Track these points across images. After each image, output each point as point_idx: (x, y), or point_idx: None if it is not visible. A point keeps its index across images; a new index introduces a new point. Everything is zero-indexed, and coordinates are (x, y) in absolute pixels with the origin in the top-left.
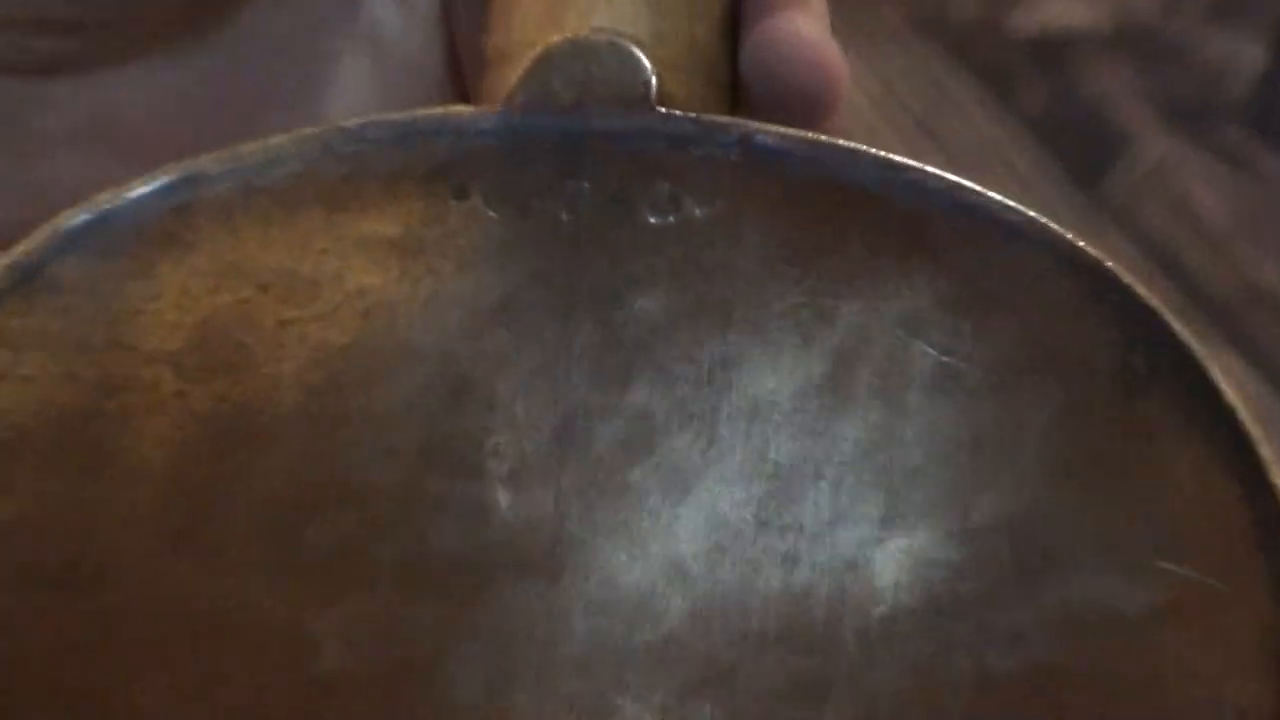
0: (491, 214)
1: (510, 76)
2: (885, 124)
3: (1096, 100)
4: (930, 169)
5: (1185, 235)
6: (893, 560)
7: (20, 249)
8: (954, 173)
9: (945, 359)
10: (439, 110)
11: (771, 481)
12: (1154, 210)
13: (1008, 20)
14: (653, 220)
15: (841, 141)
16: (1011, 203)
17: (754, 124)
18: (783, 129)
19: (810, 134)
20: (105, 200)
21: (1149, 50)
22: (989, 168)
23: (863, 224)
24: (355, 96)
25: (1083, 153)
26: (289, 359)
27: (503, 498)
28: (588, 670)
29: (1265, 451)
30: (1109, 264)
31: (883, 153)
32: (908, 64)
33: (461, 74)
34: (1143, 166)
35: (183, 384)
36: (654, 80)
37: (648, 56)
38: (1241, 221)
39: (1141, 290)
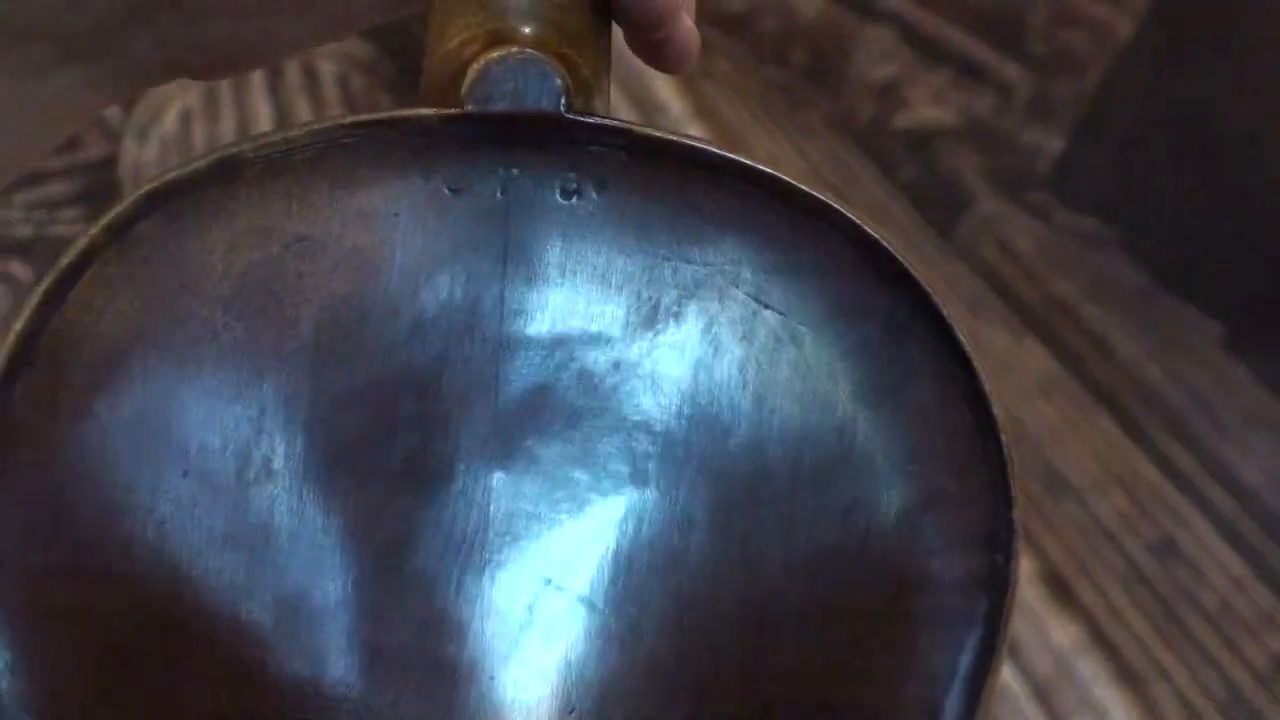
0: (447, 192)
1: (456, 83)
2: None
3: (949, 174)
4: (757, 165)
5: (1007, 265)
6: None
7: (114, 213)
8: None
9: (760, 308)
10: (412, 112)
11: (631, 367)
12: (987, 248)
13: (891, 120)
14: (561, 201)
15: (697, 141)
16: (817, 192)
17: (636, 128)
18: (658, 132)
19: (677, 135)
20: (173, 173)
21: (985, 140)
22: (880, 220)
23: (711, 205)
24: None
25: (940, 210)
26: (304, 303)
27: (450, 386)
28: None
29: (987, 386)
30: (884, 241)
31: (725, 151)
32: (824, 149)
33: None
34: (979, 219)
35: (229, 319)
36: (562, 88)
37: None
38: (1044, 254)
39: (904, 260)
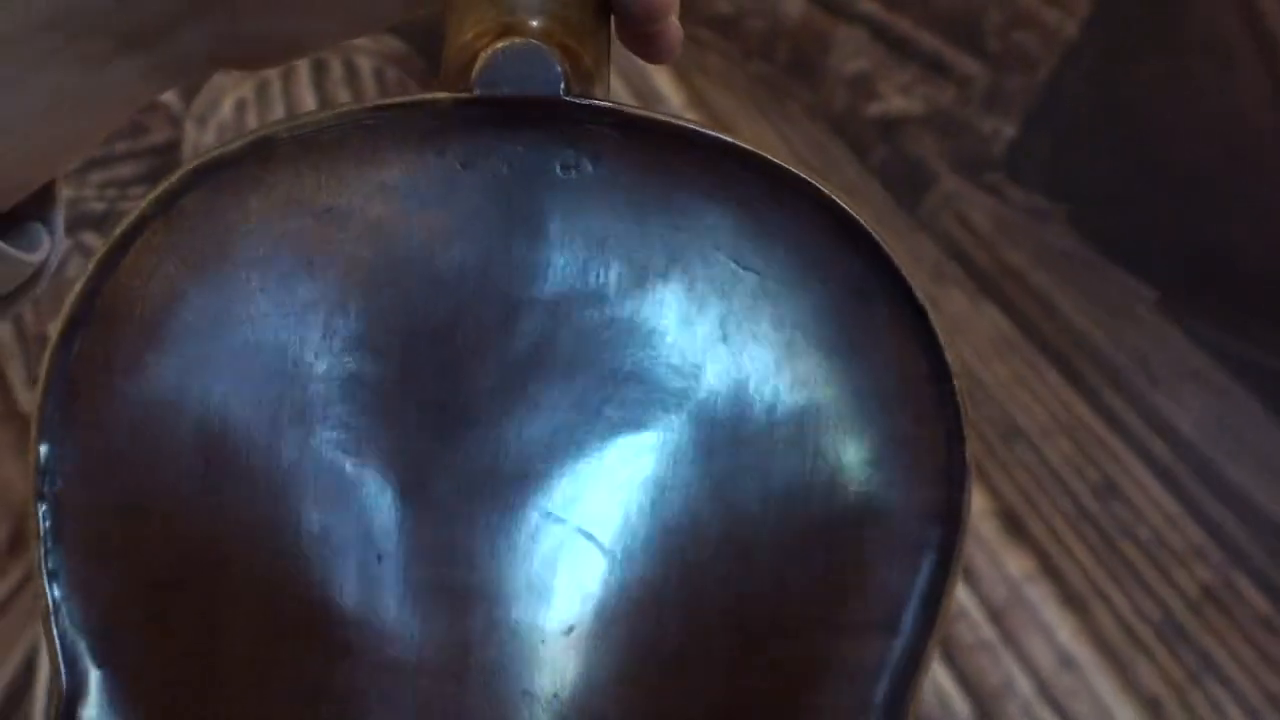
0: (459, 167)
1: (469, 70)
2: None
3: (915, 157)
4: (732, 139)
5: (965, 237)
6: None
7: (162, 188)
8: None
9: (736, 268)
10: (427, 96)
11: (623, 323)
12: (947, 222)
13: (864, 109)
14: (560, 174)
15: (682, 120)
16: (789, 165)
17: (626, 108)
18: (645, 112)
19: (663, 115)
20: (215, 152)
21: (946, 127)
22: (853, 196)
23: (695, 176)
24: None
25: (907, 188)
26: (332, 267)
27: (465, 335)
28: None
29: (942, 340)
30: (851, 210)
31: (708, 129)
32: (804, 135)
33: None
34: (941, 196)
35: (265, 282)
36: (562, 74)
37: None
38: (998, 227)
39: (870, 226)
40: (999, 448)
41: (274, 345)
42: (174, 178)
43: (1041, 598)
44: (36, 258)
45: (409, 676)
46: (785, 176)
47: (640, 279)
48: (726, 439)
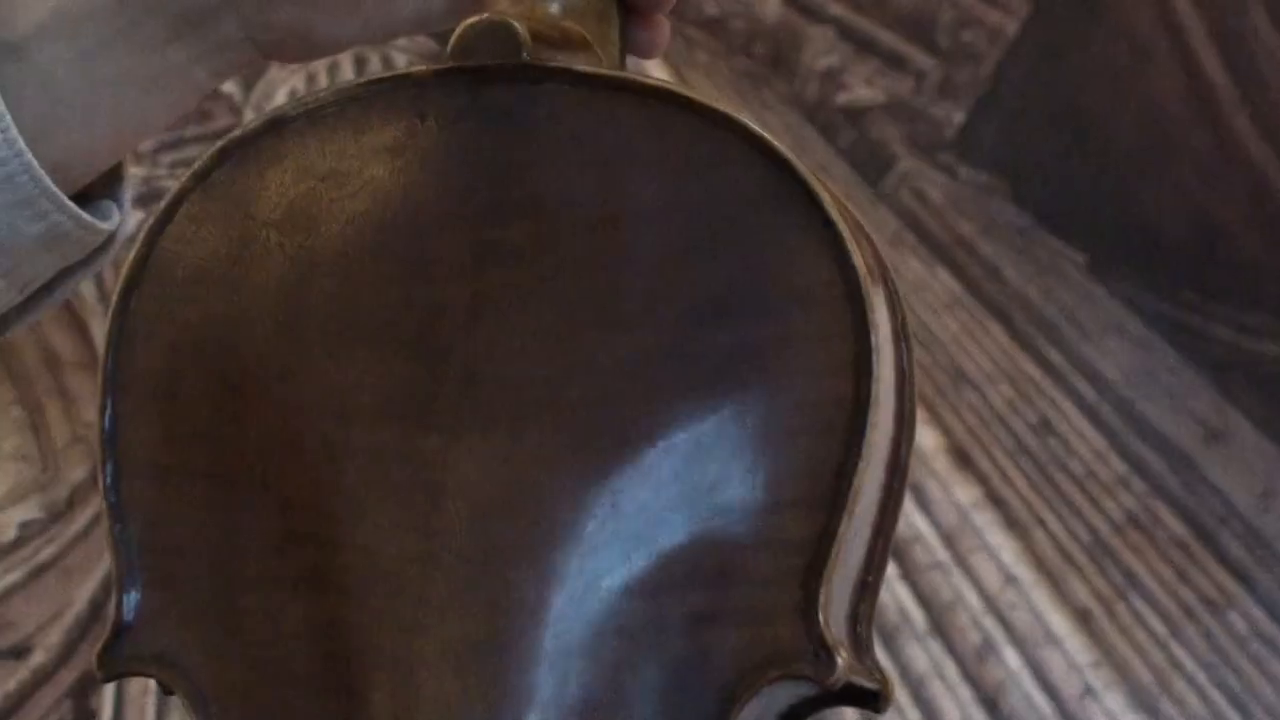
0: (438, 130)
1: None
2: None
3: (878, 139)
4: (665, 84)
5: (921, 209)
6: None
7: (198, 165)
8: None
9: (668, 180)
10: (409, 69)
11: (573, 233)
12: (906, 197)
13: (833, 99)
14: (528, 128)
15: (618, 73)
16: (714, 104)
17: (576, 68)
18: (591, 69)
19: (606, 71)
20: (238, 132)
21: (904, 113)
22: (822, 175)
23: (633, 116)
24: None
25: (870, 167)
26: (335, 220)
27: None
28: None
29: (850, 246)
30: (753, 126)
31: (640, 77)
32: (780, 121)
33: None
34: (900, 174)
35: (281, 238)
36: (525, 45)
37: (527, 29)
38: (950, 201)
39: (769, 138)
40: (949, 391)
41: (292, 287)
42: (206, 156)
43: (986, 523)
44: (109, 226)
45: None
46: (713, 114)
47: (587, 201)
48: (668, 344)
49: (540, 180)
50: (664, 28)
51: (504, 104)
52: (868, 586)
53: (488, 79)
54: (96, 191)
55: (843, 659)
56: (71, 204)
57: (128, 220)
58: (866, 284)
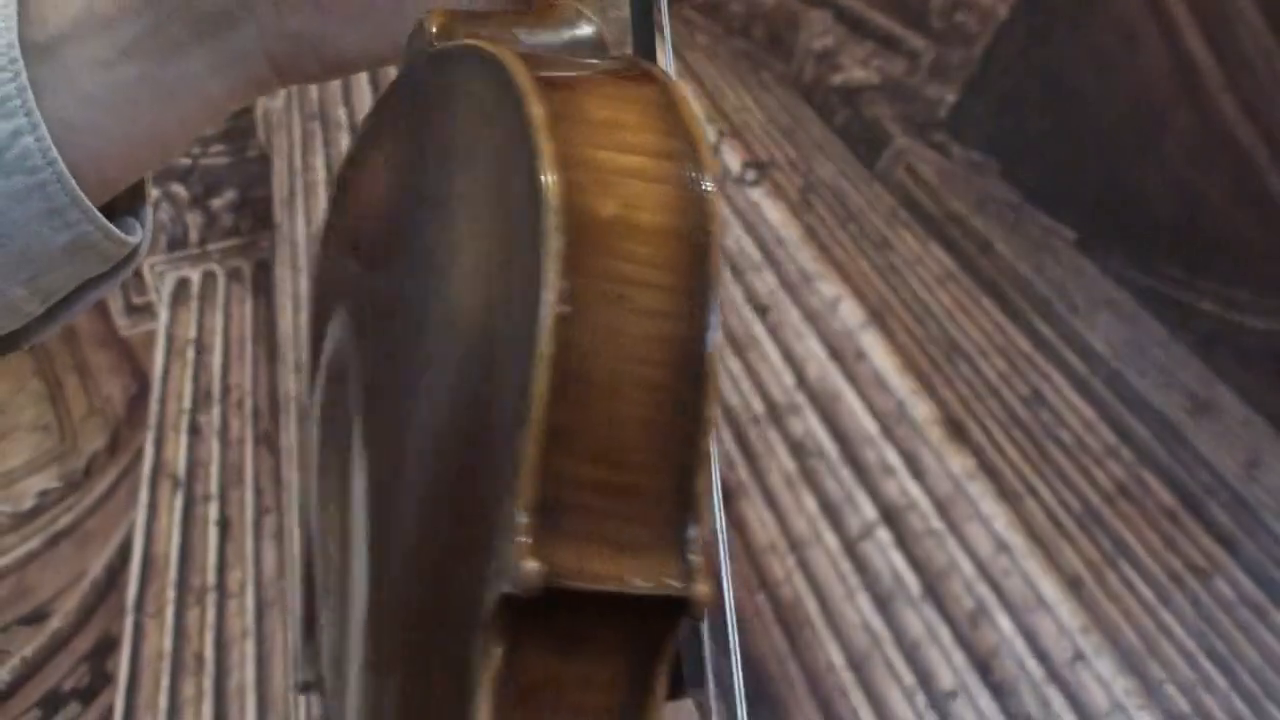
0: (400, 97)
1: None
2: (767, 135)
3: (873, 119)
4: (470, 42)
5: (915, 187)
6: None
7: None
8: (801, 162)
9: (457, 136)
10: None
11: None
12: (900, 174)
13: (829, 79)
14: (442, 87)
15: (469, 42)
16: (485, 45)
17: (443, 44)
18: (454, 42)
19: (462, 41)
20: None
21: (898, 93)
22: (818, 153)
23: (459, 74)
24: None
25: (866, 146)
26: (352, 190)
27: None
28: None
29: (544, 164)
30: (508, 67)
31: (472, 40)
32: (778, 101)
33: None
34: (895, 152)
35: (334, 219)
36: (432, 34)
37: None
38: (943, 179)
39: (510, 65)
40: (943, 364)
41: (345, 248)
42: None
43: (980, 493)
44: (134, 239)
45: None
46: (482, 51)
47: (429, 158)
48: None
49: (420, 138)
50: None
51: (425, 76)
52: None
53: (414, 66)
54: (120, 206)
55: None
56: (100, 215)
57: (148, 237)
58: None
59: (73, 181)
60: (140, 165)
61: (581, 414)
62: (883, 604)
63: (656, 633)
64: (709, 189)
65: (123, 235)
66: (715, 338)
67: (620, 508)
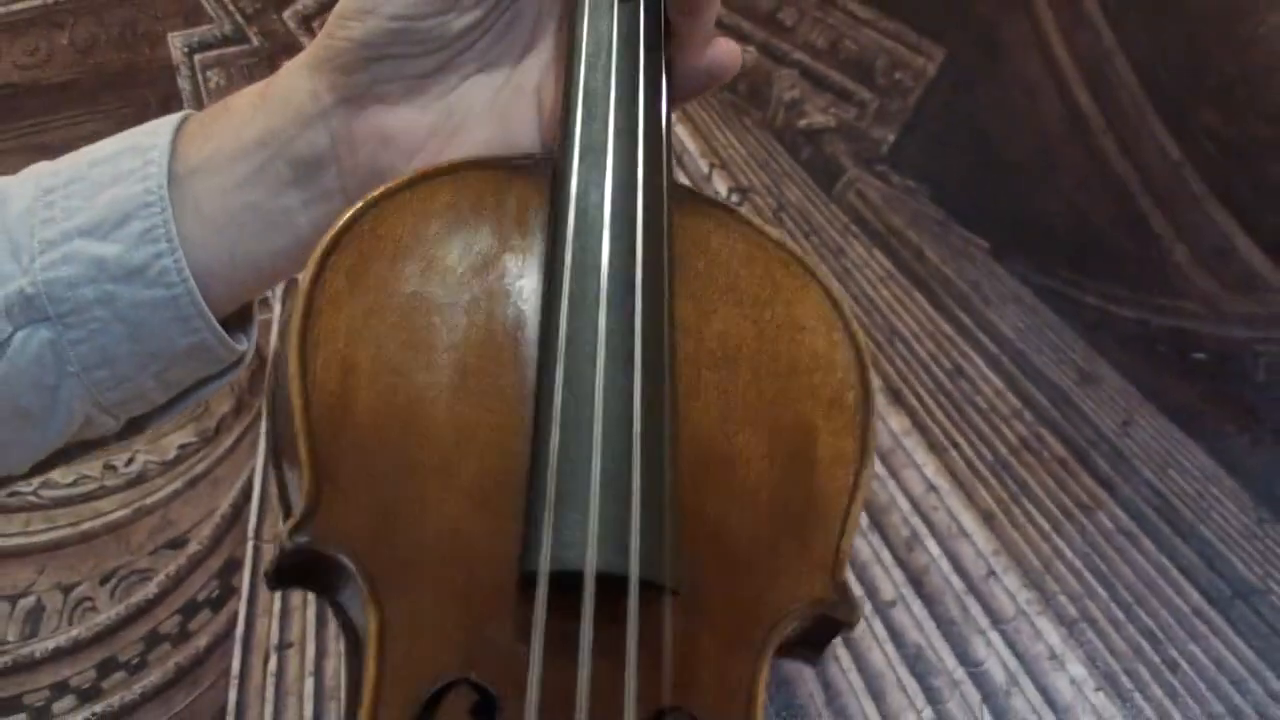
0: None
1: None
2: (748, 166)
3: (830, 154)
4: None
5: (863, 206)
6: None
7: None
8: (774, 187)
9: None
10: None
11: None
12: (851, 198)
13: (796, 123)
14: None
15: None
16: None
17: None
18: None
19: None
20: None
21: (850, 134)
22: (787, 181)
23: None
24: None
25: (824, 175)
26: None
27: None
28: None
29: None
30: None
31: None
32: (755, 141)
33: None
34: (847, 180)
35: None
36: None
37: None
38: (885, 201)
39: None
40: (885, 346)
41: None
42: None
43: (913, 445)
44: (242, 347)
45: None
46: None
47: None
48: None
49: None
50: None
51: None
52: None
53: None
54: (232, 323)
55: None
56: (215, 323)
57: (252, 348)
58: None
59: (199, 297)
60: (246, 287)
61: None
62: None
63: None
64: None
65: (231, 342)
66: None
67: None
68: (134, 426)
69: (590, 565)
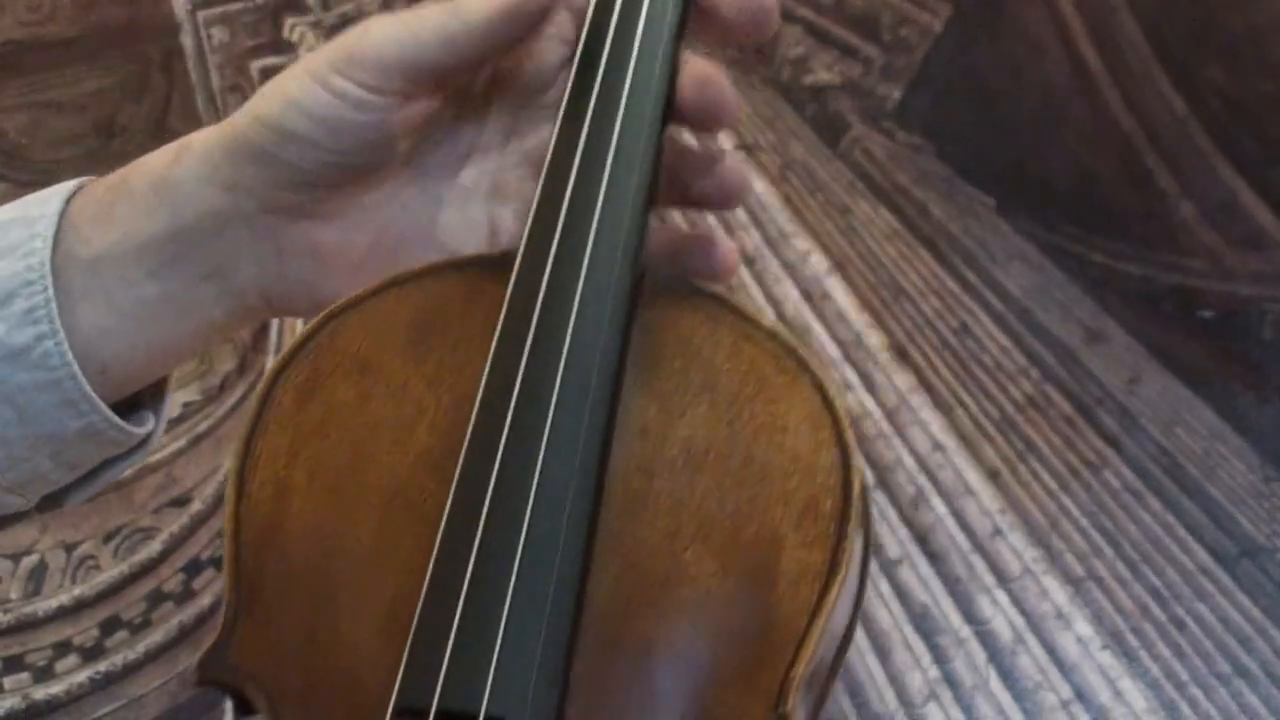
0: None
1: None
2: (754, 124)
3: (835, 111)
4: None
5: (869, 163)
6: None
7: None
8: (779, 145)
9: None
10: None
11: None
12: (857, 155)
13: (801, 80)
14: None
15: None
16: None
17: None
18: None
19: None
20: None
21: (855, 91)
22: (793, 138)
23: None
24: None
25: (830, 132)
26: None
27: None
28: None
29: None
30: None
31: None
32: (761, 98)
33: None
34: (853, 137)
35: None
36: None
37: None
38: (890, 158)
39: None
40: (890, 303)
41: None
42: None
43: (919, 403)
44: (140, 431)
45: None
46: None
47: None
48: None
49: None
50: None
51: None
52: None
53: None
54: (144, 400)
55: None
56: (105, 408)
57: (160, 428)
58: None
59: (83, 380)
60: (155, 368)
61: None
62: None
63: None
64: None
65: (128, 426)
66: None
67: None
68: (51, 501)
69: (434, 703)
